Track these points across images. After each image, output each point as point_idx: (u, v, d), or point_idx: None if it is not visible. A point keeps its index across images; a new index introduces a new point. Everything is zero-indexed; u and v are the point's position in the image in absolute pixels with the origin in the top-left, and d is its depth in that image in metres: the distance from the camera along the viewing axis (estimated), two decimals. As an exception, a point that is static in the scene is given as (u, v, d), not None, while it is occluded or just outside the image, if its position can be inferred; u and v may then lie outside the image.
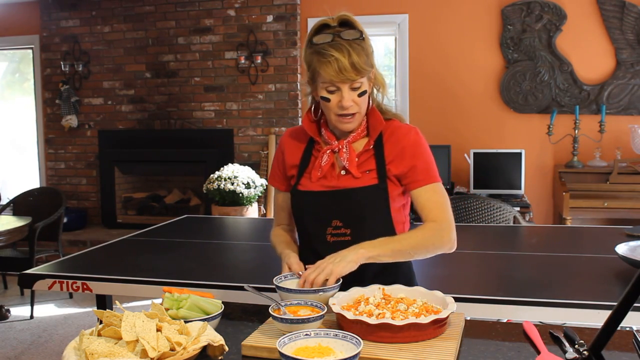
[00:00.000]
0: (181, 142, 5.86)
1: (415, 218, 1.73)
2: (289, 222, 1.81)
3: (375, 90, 1.67)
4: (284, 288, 1.48)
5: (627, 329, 1.44)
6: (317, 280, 1.45)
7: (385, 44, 5.69)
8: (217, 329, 1.35)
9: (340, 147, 1.63)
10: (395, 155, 1.62)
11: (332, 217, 1.61)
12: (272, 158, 5.41)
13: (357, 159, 1.63)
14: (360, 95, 1.56)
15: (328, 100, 1.56)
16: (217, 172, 5.06)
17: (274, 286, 1.52)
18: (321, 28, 1.58)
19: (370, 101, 1.66)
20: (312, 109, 1.70)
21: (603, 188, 4.58)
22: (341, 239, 1.61)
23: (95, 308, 3.17)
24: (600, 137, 4.77)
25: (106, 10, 5.96)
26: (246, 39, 5.60)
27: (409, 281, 1.69)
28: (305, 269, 1.54)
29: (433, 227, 1.58)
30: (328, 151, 1.65)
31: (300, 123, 5.10)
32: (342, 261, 1.46)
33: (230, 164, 5.18)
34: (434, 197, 1.61)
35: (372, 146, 1.64)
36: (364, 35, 1.56)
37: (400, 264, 1.70)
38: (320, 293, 1.45)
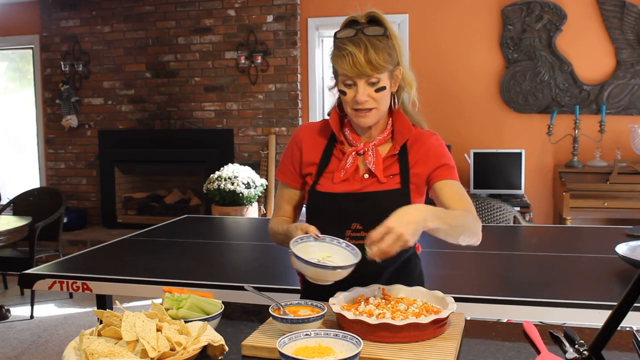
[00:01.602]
0: (181, 142, 5.86)
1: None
2: (292, 217, 1.76)
3: (404, 92, 1.64)
4: (305, 260, 1.37)
5: (627, 329, 1.44)
6: (392, 250, 1.32)
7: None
8: (217, 329, 1.35)
9: (366, 149, 1.61)
10: (419, 157, 1.61)
11: (352, 220, 1.58)
12: (272, 158, 5.45)
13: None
14: (377, 90, 1.53)
15: (344, 94, 1.55)
16: (217, 172, 5.06)
17: (271, 286, 1.51)
18: (348, 24, 1.57)
19: (396, 101, 1.63)
20: (337, 104, 1.67)
21: (603, 188, 4.58)
22: (360, 242, 1.58)
23: (95, 308, 3.16)
24: (600, 137, 4.77)
25: (106, 10, 5.96)
26: (246, 39, 5.60)
27: (421, 285, 1.67)
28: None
29: (470, 215, 1.52)
30: (353, 153, 1.62)
31: (300, 123, 5.07)
32: (415, 233, 1.33)
33: (230, 164, 5.18)
34: (460, 191, 1.59)
35: (397, 151, 1.62)
36: (388, 32, 1.53)
37: (412, 271, 1.69)
38: (339, 270, 1.39)
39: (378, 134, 1.63)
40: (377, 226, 1.52)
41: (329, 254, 1.47)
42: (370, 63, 1.49)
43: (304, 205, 1.73)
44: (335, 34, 1.57)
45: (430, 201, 1.63)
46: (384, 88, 1.54)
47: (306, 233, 1.49)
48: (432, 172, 1.60)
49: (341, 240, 1.50)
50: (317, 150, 1.67)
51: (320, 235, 1.48)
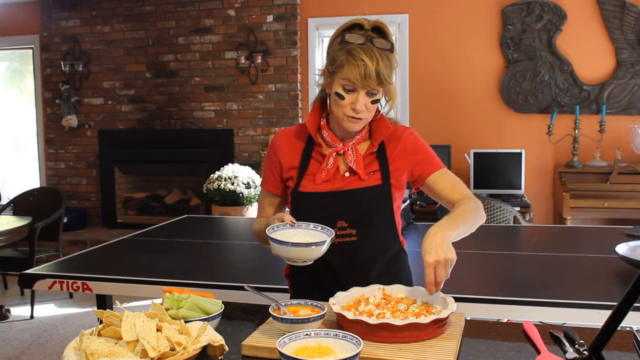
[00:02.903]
0: (181, 142, 5.86)
1: (416, 218, 1.73)
2: None
3: (384, 101, 1.66)
4: (281, 241, 1.45)
5: (627, 329, 1.44)
6: (448, 274, 1.37)
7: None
8: (217, 329, 1.35)
9: (346, 149, 1.63)
10: (398, 153, 1.65)
11: (337, 218, 1.60)
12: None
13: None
14: (373, 102, 1.56)
15: (342, 98, 1.55)
16: (217, 172, 5.06)
17: (271, 286, 1.52)
18: (354, 26, 1.57)
19: (379, 109, 1.66)
20: (320, 103, 1.68)
21: (603, 188, 4.58)
22: (347, 240, 1.61)
23: (95, 308, 3.16)
24: (600, 137, 4.77)
25: (106, 10, 5.96)
26: (246, 39, 5.60)
27: (409, 283, 1.69)
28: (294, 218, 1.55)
29: (471, 201, 1.58)
30: (334, 154, 1.63)
31: (300, 122, 5.04)
32: (450, 248, 1.38)
33: (230, 164, 5.18)
34: (452, 178, 1.66)
35: (376, 149, 1.64)
36: (393, 48, 1.55)
37: (401, 266, 1.71)
38: (313, 247, 1.45)
39: (356, 134, 1.65)
40: (362, 222, 1.58)
41: (306, 239, 1.51)
42: (379, 77, 1.50)
43: (288, 209, 1.75)
44: (344, 34, 1.54)
45: (420, 194, 1.64)
46: (378, 101, 1.58)
47: (282, 221, 1.54)
48: (414, 167, 1.65)
49: (316, 225, 1.54)
50: (296, 154, 1.68)
51: (295, 222, 1.53)
